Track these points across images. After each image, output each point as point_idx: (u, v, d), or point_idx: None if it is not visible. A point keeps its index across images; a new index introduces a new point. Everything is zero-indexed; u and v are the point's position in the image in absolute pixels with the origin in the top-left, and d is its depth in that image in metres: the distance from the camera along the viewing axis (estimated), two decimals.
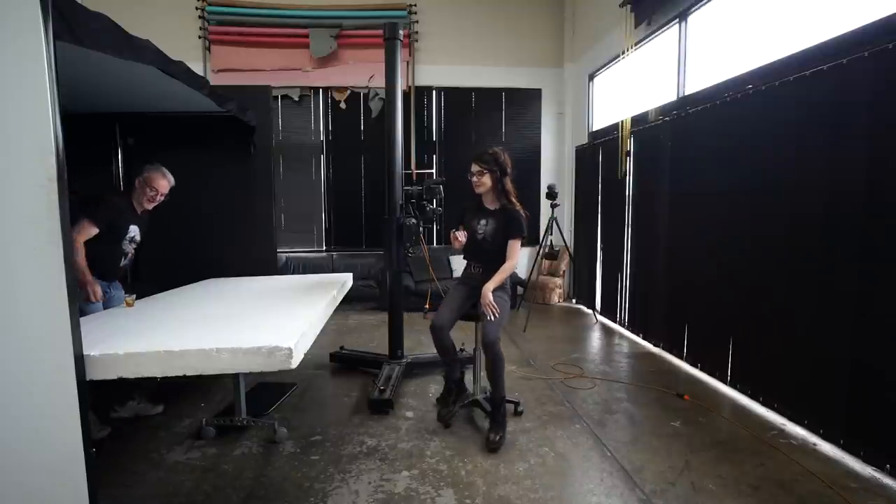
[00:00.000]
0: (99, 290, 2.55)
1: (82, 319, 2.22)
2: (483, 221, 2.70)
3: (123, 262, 2.82)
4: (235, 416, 2.65)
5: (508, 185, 2.66)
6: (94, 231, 2.54)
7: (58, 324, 1.35)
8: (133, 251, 2.85)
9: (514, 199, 2.66)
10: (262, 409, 2.86)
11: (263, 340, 1.59)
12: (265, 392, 3.14)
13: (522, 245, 2.73)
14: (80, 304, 2.48)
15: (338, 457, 2.39)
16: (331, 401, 3.13)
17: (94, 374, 1.48)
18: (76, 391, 1.38)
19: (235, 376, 2.63)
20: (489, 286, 2.56)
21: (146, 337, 1.76)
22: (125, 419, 2.74)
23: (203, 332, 1.84)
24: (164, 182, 2.77)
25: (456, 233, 2.71)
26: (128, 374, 1.52)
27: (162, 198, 2.79)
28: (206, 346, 1.56)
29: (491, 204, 2.71)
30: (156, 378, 1.55)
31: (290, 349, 1.56)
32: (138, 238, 2.84)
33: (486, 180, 2.63)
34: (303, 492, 2.10)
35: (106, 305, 2.61)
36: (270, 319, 2.05)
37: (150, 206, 2.78)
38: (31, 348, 1.35)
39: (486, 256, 2.68)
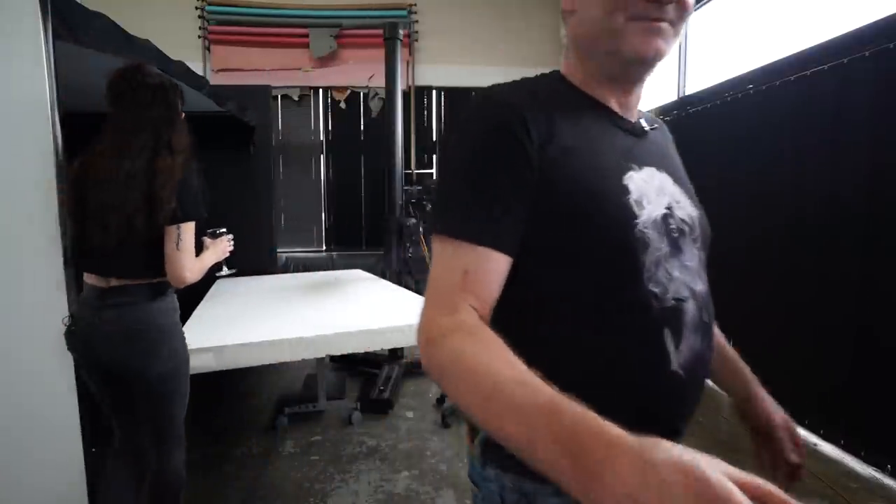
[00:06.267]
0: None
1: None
2: None
3: None
4: (318, 402, 2.78)
5: None
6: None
7: (57, 323, 1.35)
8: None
9: None
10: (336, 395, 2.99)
11: (406, 320, 1.79)
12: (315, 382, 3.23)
13: None
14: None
15: (338, 457, 2.39)
16: None
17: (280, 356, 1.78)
18: (76, 391, 1.38)
19: (319, 362, 2.75)
20: None
21: (304, 325, 1.97)
22: None
23: (333, 320, 2.04)
24: None
25: None
26: (329, 353, 1.79)
27: None
28: (372, 326, 1.74)
29: None
30: None
31: None
32: None
33: None
34: (303, 492, 2.10)
35: None
36: (364, 307, 2.25)
37: None
38: (30, 347, 1.35)
39: None
